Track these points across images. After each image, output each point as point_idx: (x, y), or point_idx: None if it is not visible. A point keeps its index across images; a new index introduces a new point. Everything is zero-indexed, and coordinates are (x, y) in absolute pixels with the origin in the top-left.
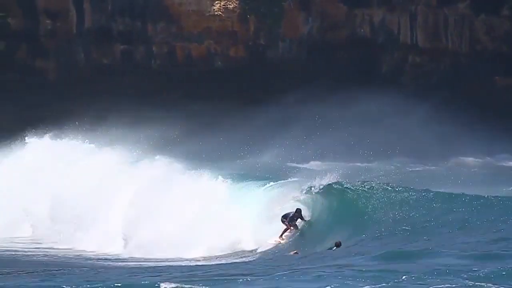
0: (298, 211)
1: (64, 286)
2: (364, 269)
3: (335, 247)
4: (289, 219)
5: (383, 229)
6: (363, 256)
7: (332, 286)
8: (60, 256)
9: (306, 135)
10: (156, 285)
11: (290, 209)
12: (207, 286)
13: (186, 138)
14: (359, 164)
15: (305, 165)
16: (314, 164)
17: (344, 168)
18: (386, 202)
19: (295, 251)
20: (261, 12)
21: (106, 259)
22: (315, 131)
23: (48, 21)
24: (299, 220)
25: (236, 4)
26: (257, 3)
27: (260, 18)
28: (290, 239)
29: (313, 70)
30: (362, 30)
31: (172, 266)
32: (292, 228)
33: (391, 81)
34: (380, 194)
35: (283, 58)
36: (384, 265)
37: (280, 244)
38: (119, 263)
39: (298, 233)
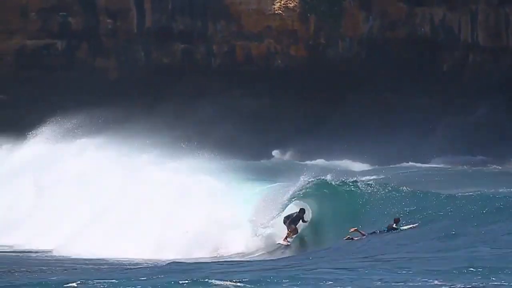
0: (302, 211)
1: None
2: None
3: (394, 223)
4: (291, 220)
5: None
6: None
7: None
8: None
9: (367, 135)
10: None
11: (295, 209)
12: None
13: (246, 136)
14: (420, 164)
15: (360, 167)
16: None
17: (403, 169)
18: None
19: (287, 243)
20: (321, 11)
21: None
22: (377, 131)
23: (108, 21)
24: (300, 221)
25: (296, 3)
26: (318, 2)
27: (320, 17)
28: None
29: (373, 69)
30: (422, 29)
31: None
32: (291, 230)
33: (451, 80)
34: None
35: (343, 57)
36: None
37: (286, 246)
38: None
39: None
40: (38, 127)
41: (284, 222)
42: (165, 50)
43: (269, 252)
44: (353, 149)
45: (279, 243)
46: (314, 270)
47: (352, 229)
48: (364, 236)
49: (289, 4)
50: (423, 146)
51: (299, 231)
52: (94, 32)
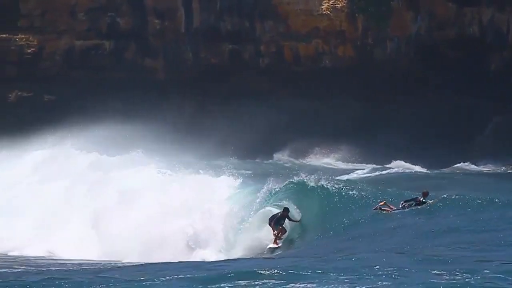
0: (286, 210)
1: None
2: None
3: (422, 198)
4: (275, 221)
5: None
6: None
7: None
8: None
9: (415, 136)
10: None
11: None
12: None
13: (293, 136)
14: (474, 166)
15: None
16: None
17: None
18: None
19: (277, 245)
20: (369, 11)
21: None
22: (425, 132)
23: (156, 21)
24: (286, 221)
25: (344, 3)
26: (366, 2)
27: (368, 17)
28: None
29: (420, 69)
30: (470, 29)
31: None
32: (278, 232)
33: (499, 80)
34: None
35: (390, 57)
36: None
37: (277, 248)
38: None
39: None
40: (87, 127)
41: (269, 224)
42: (213, 50)
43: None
44: (403, 151)
45: (270, 247)
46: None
47: (381, 203)
48: (392, 210)
49: (337, 5)
50: (472, 147)
51: (287, 230)
52: (142, 32)
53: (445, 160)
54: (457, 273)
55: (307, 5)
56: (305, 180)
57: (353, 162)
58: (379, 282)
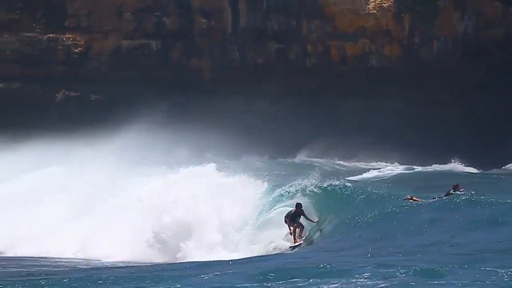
0: (298, 206)
1: None
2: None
3: (452, 190)
4: (290, 218)
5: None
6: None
7: None
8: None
9: (464, 135)
10: None
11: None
12: None
13: (340, 137)
14: None
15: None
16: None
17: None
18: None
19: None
20: (415, 10)
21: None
22: (473, 131)
23: (203, 20)
24: (302, 218)
25: (391, 2)
26: (412, 2)
27: (415, 16)
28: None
29: (467, 69)
30: None
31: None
32: (294, 229)
33: None
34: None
35: (437, 57)
36: None
37: (300, 246)
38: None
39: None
40: (135, 127)
41: (285, 222)
42: (260, 50)
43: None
44: (454, 150)
45: (290, 246)
46: None
47: (409, 196)
48: (420, 202)
49: (383, 4)
50: None
51: (305, 226)
52: (188, 32)
53: (494, 160)
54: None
55: (354, 4)
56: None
57: (400, 162)
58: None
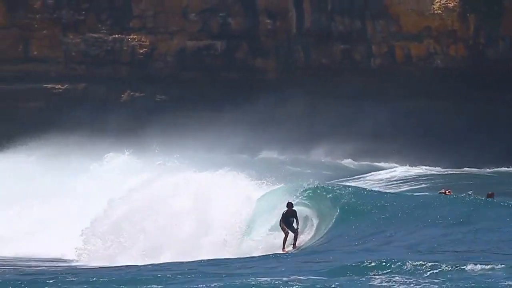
0: (289, 205)
1: None
2: None
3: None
4: (283, 219)
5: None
6: None
7: None
8: None
9: None
10: None
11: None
12: None
13: (404, 137)
14: None
15: None
16: None
17: None
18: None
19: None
20: (481, 10)
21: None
22: None
23: (268, 21)
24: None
25: (456, 3)
26: (477, 2)
27: (480, 16)
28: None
29: None
30: None
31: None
32: (287, 235)
33: None
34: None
35: (503, 57)
36: None
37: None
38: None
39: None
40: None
41: (280, 225)
42: (324, 50)
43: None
44: None
45: (287, 251)
46: None
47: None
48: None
49: (448, 4)
50: None
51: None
52: (253, 32)
53: None
54: None
55: (419, 5)
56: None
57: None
58: None
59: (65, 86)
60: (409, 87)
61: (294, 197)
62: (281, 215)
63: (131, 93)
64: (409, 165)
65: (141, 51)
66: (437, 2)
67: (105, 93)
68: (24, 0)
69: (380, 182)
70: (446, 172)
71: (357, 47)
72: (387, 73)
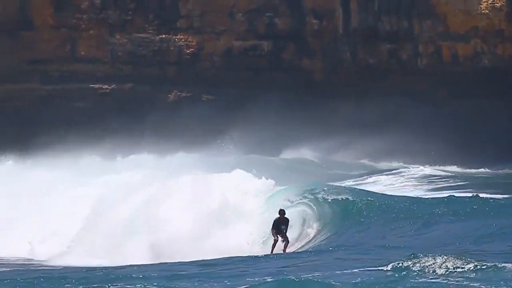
0: (281, 212)
1: None
2: None
3: None
4: (275, 226)
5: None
6: None
7: None
8: None
9: None
10: None
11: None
12: None
13: (452, 137)
14: None
15: None
16: None
17: None
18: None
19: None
20: None
21: None
22: None
23: (314, 21)
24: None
25: (503, 2)
26: None
27: None
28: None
29: None
30: None
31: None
32: (275, 242)
33: None
34: None
35: None
36: None
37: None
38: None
39: None
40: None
41: (271, 231)
42: (371, 50)
43: None
44: None
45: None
46: None
47: None
48: None
49: (496, 4)
50: None
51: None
52: (300, 32)
53: None
54: None
55: (466, 4)
56: None
57: None
58: None
59: (112, 86)
60: (456, 87)
61: (295, 197)
62: (272, 222)
63: (178, 93)
64: (457, 166)
65: (188, 51)
66: (484, 2)
67: (151, 93)
68: (71, 0)
69: (423, 182)
70: (495, 174)
71: (404, 47)
72: (433, 73)
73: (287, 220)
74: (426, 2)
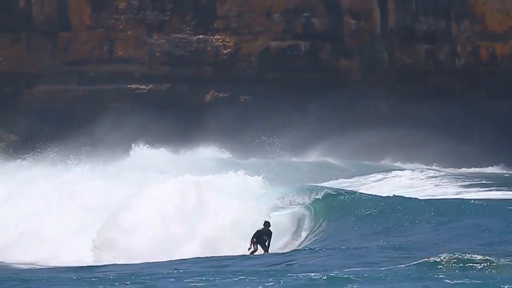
0: (266, 224)
1: None
2: None
3: None
4: (257, 236)
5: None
6: None
7: None
8: None
9: None
10: None
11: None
12: None
13: (491, 139)
14: None
15: None
16: None
17: None
18: None
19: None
20: None
21: None
22: None
23: (352, 21)
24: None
25: None
26: None
27: None
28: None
29: None
30: None
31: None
32: (255, 250)
33: None
34: None
35: None
36: None
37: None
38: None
39: None
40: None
41: (251, 240)
42: (409, 50)
43: None
44: None
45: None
46: None
47: None
48: None
49: None
50: None
51: (258, 249)
52: (337, 32)
53: None
54: None
55: (504, 4)
56: None
57: None
58: None
59: (149, 87)
60: (494, 87)
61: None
62: (255, 231)
63: (215, 94)
64: (499, 168)
65: (225, 51)
66: None
67: (189, 93)
68: (109, 1)
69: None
70: None
71: (441, 47)
72: (471, 73)
73: (270, 233)
74: (464, 2)
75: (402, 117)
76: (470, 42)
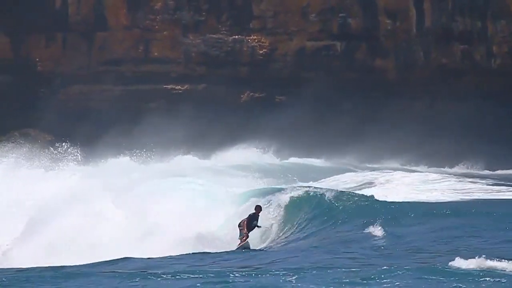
0: (258, 208)
1: None
2: None
3: None
4: (248, 220)
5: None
6: None
7: None
8: None
9: None
10: None
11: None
12: None
13: None
14: None
15: None
16: None
17: None
18: None
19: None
20: None
21: None
22: None
23: (388, 21)
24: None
25: None
26: None
27: None
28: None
29: None
30: None
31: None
32: (244, 238)
33: None
34: None
35: None
36: None
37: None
38: None
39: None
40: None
41: (239, 226)
42: (445, 50)
43: None
44: None
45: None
46: None
47: None
48: None
49: None
50: None
51: (248, 236)
52: (373, 32)
53: None
54: None
55: None
56: None
57: None
58: None
59: (185, 87)
60: None
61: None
62: (247, 216)
63: (251, 94)
64: None
65: (261, 51)
66: None
67: (225, 93)
68: (145, 1)
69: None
70: None
71: (477, 47)
72: (507, 73)
73: (258, 217)
74: (500, 2)
75: (438, 117)
76: (506, 42)
